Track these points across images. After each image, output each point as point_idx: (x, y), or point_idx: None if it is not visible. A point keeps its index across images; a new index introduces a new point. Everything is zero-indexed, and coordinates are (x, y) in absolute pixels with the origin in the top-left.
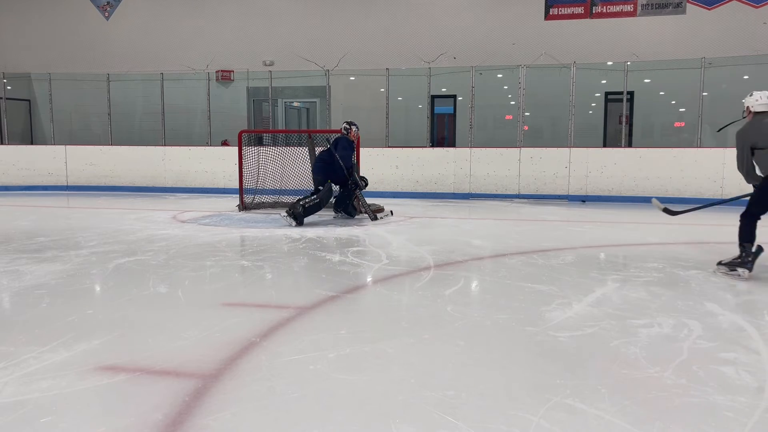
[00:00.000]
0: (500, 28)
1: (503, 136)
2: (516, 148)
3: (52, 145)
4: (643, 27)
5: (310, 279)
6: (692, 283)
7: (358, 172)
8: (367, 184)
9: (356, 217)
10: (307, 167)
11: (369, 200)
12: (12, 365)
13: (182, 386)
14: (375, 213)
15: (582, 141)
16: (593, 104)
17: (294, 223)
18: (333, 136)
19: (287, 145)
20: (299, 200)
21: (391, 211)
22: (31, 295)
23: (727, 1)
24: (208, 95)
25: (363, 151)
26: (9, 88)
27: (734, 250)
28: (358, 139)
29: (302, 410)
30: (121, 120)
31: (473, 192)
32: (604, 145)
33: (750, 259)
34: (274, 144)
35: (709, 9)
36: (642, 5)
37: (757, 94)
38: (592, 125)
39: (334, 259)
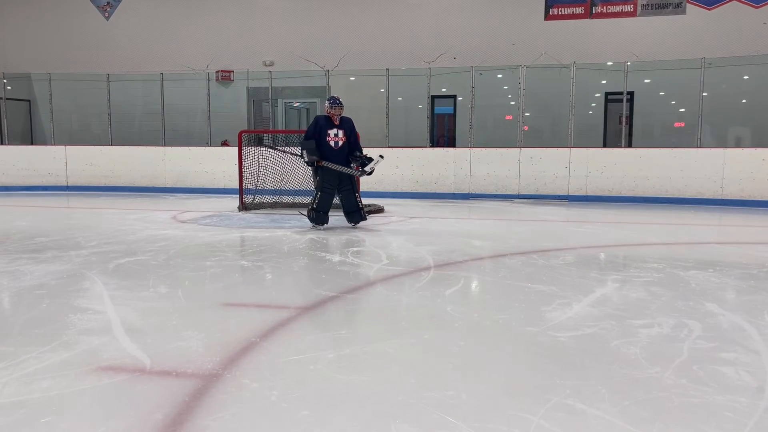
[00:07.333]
0: (500, 28)
1: (503, 136)
2: (516, 149)
3: (52, 145)
4: (643, 27)
5: (310, 279)
6: (692, 283)
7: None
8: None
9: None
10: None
11: (369, 200)
12: (12, 365)
13: (182, 386)
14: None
15: (582, 141)
16: (593, 104)
17: (321, 227)
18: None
19: (287, 145)
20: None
21: (381, 156)
22: (31, 295)
23: (727, 1)
24: (208, 95)
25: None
26: (9, 88)
27: (733, 250)
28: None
29: (302, 410)
30: (121, 120)
31: (473, 192)
32: (604, 145)
33: None
34: (274, 144)
35: (709, 9)
36: (642, 5)
37: None
38: (592, 125)
39: (334, 259)
